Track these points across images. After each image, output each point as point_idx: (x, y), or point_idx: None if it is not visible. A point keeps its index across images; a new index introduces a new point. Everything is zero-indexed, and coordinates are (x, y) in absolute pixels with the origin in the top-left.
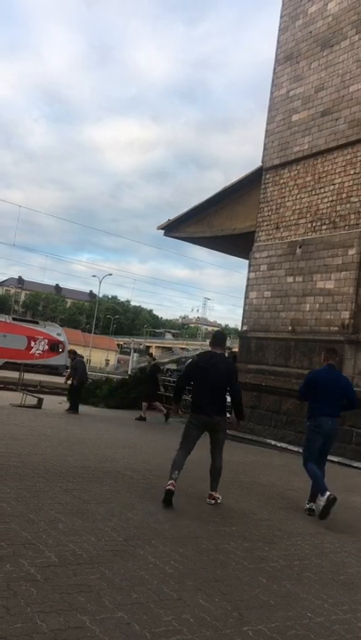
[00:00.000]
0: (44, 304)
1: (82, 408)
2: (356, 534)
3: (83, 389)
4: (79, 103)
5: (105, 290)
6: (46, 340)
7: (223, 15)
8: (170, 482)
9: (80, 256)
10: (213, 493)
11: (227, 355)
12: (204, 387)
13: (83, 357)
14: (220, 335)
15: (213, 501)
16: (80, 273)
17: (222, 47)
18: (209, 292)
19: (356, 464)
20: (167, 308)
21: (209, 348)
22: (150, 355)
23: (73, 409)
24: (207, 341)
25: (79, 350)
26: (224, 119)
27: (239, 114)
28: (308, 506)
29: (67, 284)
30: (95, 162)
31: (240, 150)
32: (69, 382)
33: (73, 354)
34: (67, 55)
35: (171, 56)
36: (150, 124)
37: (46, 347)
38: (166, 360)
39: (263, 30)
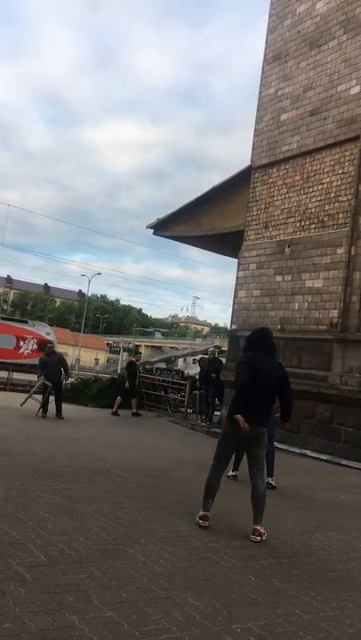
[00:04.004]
0: (32, 303)
1: (71, 407)
2: (344, 532)
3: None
4: (79, 105)
5: (99, 290)
6: (35, 340)
7: (227, 19)
8: (202, 513)
9: (75, 256)
10: (258, 528)
11: (215, 354)
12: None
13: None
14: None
15: (259, 538)
16: (74, 273)
17: (225, 50)
18: (202, 292)
19: (344, 462)
20: (158, 308)
21: (198, 348)
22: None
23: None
24: (197, 340)
25: (69, 350)
26: (225, 121)
27: (240, 116)
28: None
29: (60, 284)
30: (93, 163)
31: (239, 152)
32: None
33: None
34: (68, 57)
35: (173, 59)
36: (150, 126)
37: (35, 346)
38: (155, 359)
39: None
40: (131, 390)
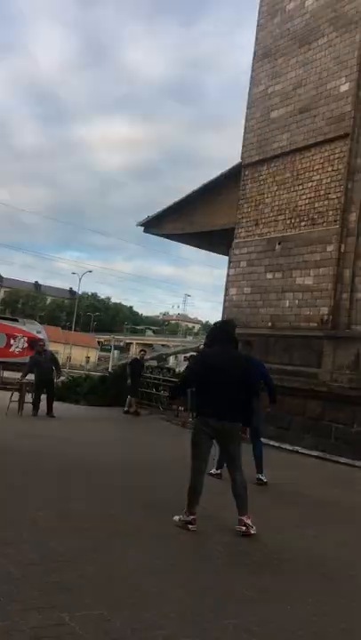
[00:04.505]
0: (23, 301)
1: (62, 406)
2: (335, 527)
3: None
4: (70, 102)
5: (90, 288)
6: (26, 338)
7: (220, 15)
8: (191, 517)
9: (66, 254)
10: (243, 518)
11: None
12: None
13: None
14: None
15: (245, 528)
16: (65, 271)
17: (218, 47)
18: (193, 290)
19: (335, 458)
20: (149, 305)
21: (189, 345)
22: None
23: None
24: (188, 338)
25: (60, 348)
26: (217, 119)
27: (232, 113)
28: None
29: (51, 283)
30: (85, 160)
31: (233, 149)
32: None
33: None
34: (59, 54)
35: (166, 56)
36: (142, 124)
37: (26, 344)
38: (147, 357)
39: None
40: (131, 389)
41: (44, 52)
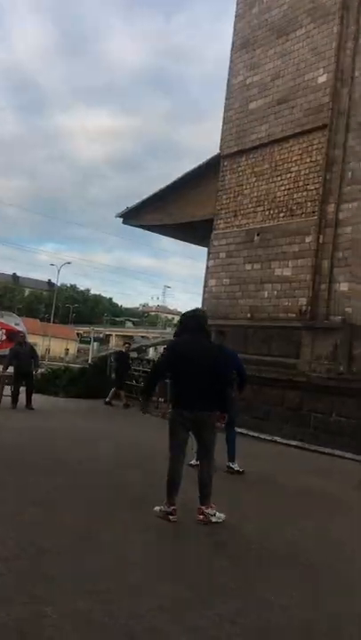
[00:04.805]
0: (1, 293)
1: (41, 398)
2: (313, 517)
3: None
4: (49, 92)
5: (69, 279)
6: (4, 330)
7: (200, 6)
8: (171, 507)
9: (46, 246)
10: (203, 508)
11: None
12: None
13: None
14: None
15: (202, 517)
16: (44, 263)
17: (199, 38)
18: (173, 281)
19: (313, 447)
20: (128, 297)
21: (169, 337)
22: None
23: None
24: (167, 329)
25: (38, 340)
26: (197, 110)
27: (213, 104)
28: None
29: (30, 274)
30: (65, 152)
31: (214, 141)
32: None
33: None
34: (37, 43)
35: (146, 47)
36: (122, 114)
37: (4, 337)
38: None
39: None
40: (116, 381)
41: (22, 41)
